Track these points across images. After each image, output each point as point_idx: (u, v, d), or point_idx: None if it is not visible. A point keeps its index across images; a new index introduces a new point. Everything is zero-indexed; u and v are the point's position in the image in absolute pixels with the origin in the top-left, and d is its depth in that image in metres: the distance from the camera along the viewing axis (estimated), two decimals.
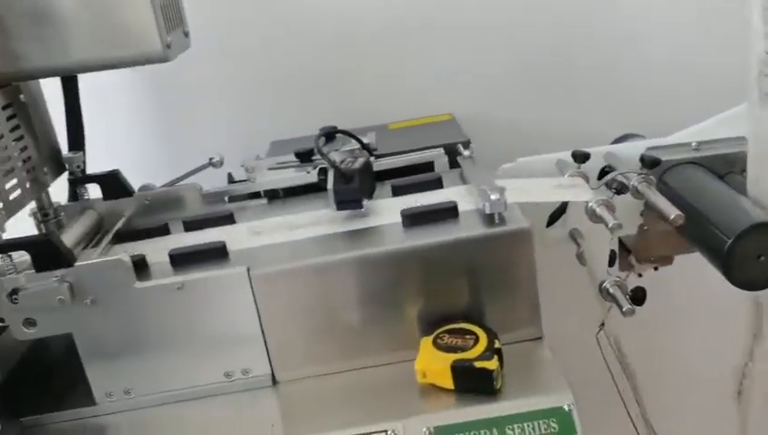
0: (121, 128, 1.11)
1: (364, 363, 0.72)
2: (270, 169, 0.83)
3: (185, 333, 0.69)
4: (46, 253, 0.65)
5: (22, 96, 0.77)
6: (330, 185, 0.74)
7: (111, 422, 0.70)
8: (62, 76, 0.83)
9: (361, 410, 0.66)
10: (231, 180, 0.93)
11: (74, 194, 0.87)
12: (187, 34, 0.73)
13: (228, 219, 0.81)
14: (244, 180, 0.91)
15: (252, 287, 0.68)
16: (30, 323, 0.67)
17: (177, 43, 0.69)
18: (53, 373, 0.76)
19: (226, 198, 0.88)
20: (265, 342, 0.70)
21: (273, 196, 0.87)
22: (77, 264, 0.66)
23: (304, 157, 0.82)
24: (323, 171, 0.80)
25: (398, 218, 0.74)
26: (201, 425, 0.69)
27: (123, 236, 0.81)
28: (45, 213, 0.83)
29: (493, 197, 0.68)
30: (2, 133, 0.72)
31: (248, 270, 0.68)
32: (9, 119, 0.74)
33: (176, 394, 0.71)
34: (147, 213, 0.86)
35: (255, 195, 0.87)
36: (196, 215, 0.83)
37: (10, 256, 0.65)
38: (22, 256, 0.67)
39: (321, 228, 0.76)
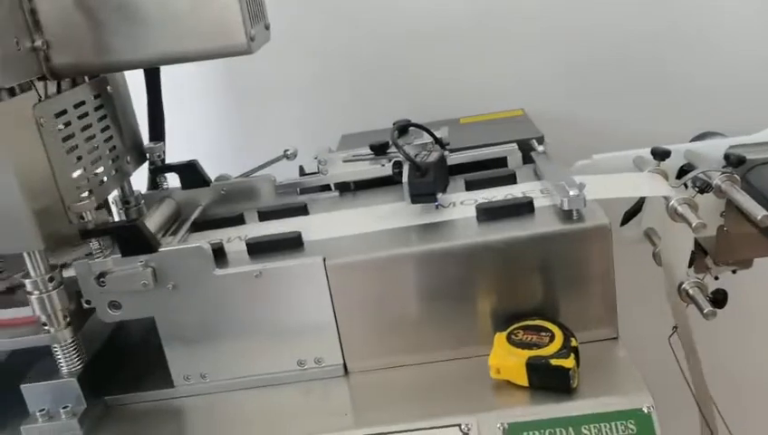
0: (199, 119, 1.13)
1: (436, 357, 0.72)
2: (345, 161, 0.84)
3: (261, 320, 0.70)
4: (132, 238, 0.67)
5: (109, 87, 0.80)
6: (404, 178, 0.74)
7: (188, 405, 0.72)
8: (146, 68, 0.85)
9: (434, 404, 0.66)
10: (302, 173, 0.94)
11: (154, 183, 0.90)
12: (267, 27, 0.74)
13: (302, 210, 0.83)
14: (316, 173, 0.92)
15: (327, 277, 0.69)
16: (115, 305, 0.69)
17: (260, 35, 0.70)
18: (135, 355, 0.79)
19: (298, 190, 0.89)
20: (338, 332, 0.71)
21: (344, 188, 0.88)
22: (160, 250, 0.68)
23: (379, 150, 0.83)
24: (398, 165, 0.80)
25: (473, 213, 0.73)
26: (274, 411, 0.70)
27: (200, 225, 0.84)
28: (127, 200, 0.86)
29: (572, 192, 0.67)
30: (91, 123, 0.75)
31: (324, 260, 0.69)
32: (97, 109, 0.77)
33: (250, 380, 0.72)
34: (222, 203, 0.88)
35: (327, 187, 0.88)
36: (271, 205, 0.85)
37: (98, 240, 0.68)
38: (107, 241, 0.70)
39: (395, 221, 0.76)
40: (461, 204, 0.77)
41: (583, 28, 1.13)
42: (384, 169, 0.83)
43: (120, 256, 0.68)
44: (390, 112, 1.08)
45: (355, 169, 0.85)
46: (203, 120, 1.14)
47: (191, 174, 0.87)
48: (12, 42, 0.62)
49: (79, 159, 0.72)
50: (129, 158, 0.84)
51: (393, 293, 0.70)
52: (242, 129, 1.17)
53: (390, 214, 0.78)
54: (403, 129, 0.82)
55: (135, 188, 0.88)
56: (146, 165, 0.89)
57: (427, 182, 0.74)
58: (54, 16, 0.66)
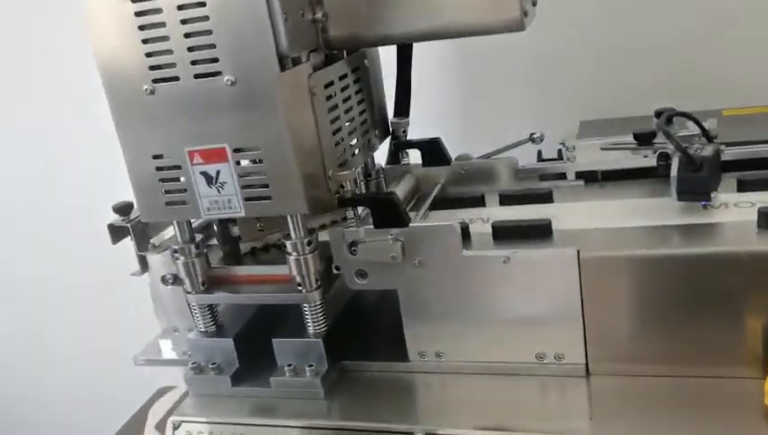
0: (431, 96, 1.13)
1: (689, 372, 0.65)
2: (603, 148, 0.78)
3: (503, 307, 0.68)
4: (387, 211, 0.68)
5: (366, 61, 0.82)
6: (673, 172, 0.67)
7: (420, 381, 0.73)
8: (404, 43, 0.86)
9: (688, 424, 0.60)
10: (540, 158, 0.91)
11: (394, 157, 0.91)
12: (535, 4, 0.71)
13: (546, 198, 0.79)
14: (555, 159, 0.88)
15: (580, 271, 0.65)
16: (362, 274, 0.71)
17: (530, 12, 0.67)
18: (368, 323, 0.81)
19: (538, 176, 0.85)
20: (584, 329, 0.66)
21: (591, 178, 0.83)
22: (411, 225, 0.68)
23: (643, 139, 0.76)
24: (663, 156, 0.73)
25: (750, 217, 0.65)
26: (507, 403, 0.67)
27: (439, 203, 0.83)
28: (368, 173, 0.88)
29: None
30: (350, 95, 0.77)
31: (578, 252, 0.65)
32: (355, 82, 0.79)
33: (485, 366, 0.71)
34: (460, 182, 0.87)
35: (571, 175, 0.84)
36: (513, 189, 0.82)
37: (354, 209, 0.69)
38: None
39: (654, 218, 0.70)
40: (734, 206, 0.69)
41: None
42: (646, 160, 0.76)
43: (372, 226, 0.69)
44: (628, 100, 1.01)
45: (611, 157, 0.79)
46: (434, 98, 1.13)
47: (433, 151, 0.87)
48: (298, 13, 0.65)
49: (338, 130, 0.74)
50: (376, 132, 0.86)
51: (650, 296, 0.64)
52: (469, 109, 1.15)
53: (647, 209, 0.72)
54: (669, 118, 0.74)
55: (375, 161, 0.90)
56: (387, 139, 0.90)
57: (701, 178, 0.66)
58: None
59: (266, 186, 0.66)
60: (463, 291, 0.69)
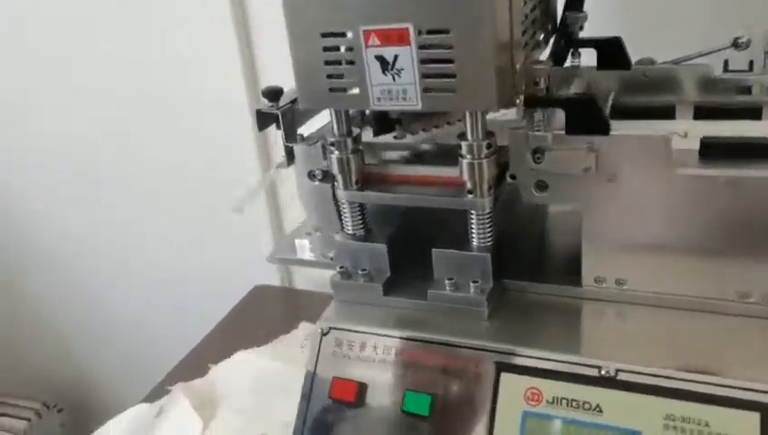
0: None
1: None
2: None
3: (709, 234, 0.59)
4: (585, 115, 0.59)
5: None
6: None
7: (593, 309, 0.65)
8: None
9: None
10: (726, 69, 0.78)
11: (559, 58, 0.80)
12: None
13: (753, 113, 0.68)
14: (746, 70, 0.76)
15: None
16: (541, 186, 0.63)
17: None
18: (533, 244, 0.74)
19: (735, 88, 0.73)
20: None
21: None
22: (613, 133, 0.59)
23: None
24: None
25: None
26: (703, 343, 0.59)
27: (618, 113, 0.73)
28: None
29: None
30: None
31: None
32: None
33: (674, 299, 0.63)
34: (637, 90, 0.76)
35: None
36: (712, 101, 0.71)
37: (544, 111, 0.60)
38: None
39: None
40: None
41: None
42: None
43: (562, 132, 0.60)
44: None
45: None
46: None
47: (612, 52, 0.75)
48: None
49: (524, 19, 0.64)
50: (549, 26, 0.75)
51: None
52: (653, 6, 1.01)
53: None
54: None
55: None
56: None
57: None
58: None
59: (452, 76, 0.57)
60: (663, 213, 0.60)
